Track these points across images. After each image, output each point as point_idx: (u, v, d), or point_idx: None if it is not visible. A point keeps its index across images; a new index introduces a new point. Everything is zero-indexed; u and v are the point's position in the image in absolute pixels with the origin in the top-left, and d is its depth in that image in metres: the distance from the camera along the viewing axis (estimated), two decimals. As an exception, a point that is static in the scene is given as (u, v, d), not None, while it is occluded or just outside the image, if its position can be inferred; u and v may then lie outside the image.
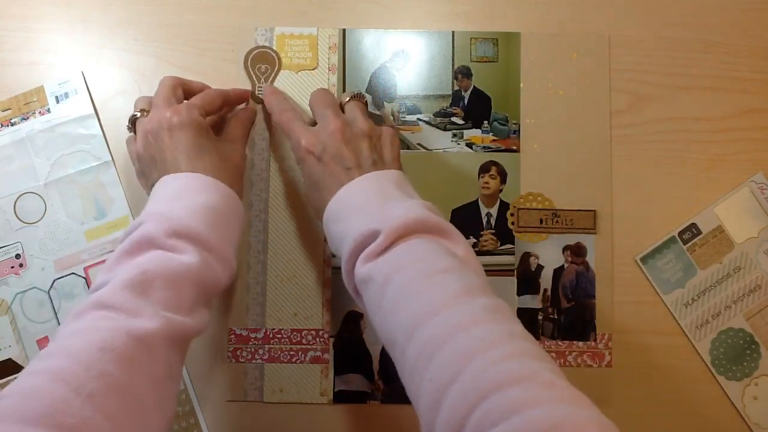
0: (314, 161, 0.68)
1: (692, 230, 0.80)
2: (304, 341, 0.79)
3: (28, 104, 0.81)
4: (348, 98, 0.73)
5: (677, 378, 0.79)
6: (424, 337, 0.53)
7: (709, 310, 0.79)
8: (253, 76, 0.82)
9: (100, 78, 0.82)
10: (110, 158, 0.81)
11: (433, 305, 0.54)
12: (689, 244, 0.80)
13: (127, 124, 0.74)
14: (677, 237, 0.80)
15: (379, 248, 0.59)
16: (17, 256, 0.79)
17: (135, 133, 0.73)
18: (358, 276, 0.60)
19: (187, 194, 0.65)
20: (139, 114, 0.72)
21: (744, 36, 0.83)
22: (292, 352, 0.79)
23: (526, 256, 0.80)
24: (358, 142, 0.68)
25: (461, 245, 0.61)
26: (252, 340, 0.79)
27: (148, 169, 0.71)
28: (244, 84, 0.82)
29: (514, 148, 0.82)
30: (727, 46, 0.83)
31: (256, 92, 0.82)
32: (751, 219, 0.80)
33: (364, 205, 0.63)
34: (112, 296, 0.57)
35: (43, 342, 0.78)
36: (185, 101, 0.72)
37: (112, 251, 0.78)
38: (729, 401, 0.78)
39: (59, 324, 0.78)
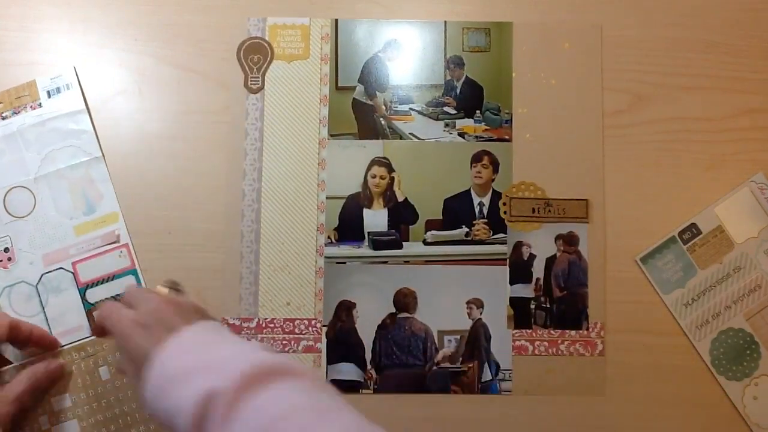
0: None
1: (692, 230, 0.80)
2: (296, 331, 0.79)
3: (20, 98, 0.80)
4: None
5: (677, 378, 0.78)
6: None
7: (709, 310, 0.79)
8: (246, 67, 0.82)
9: (100, 78, 0.82)
10: (101, 154, 0.80)
11: None
12: (689, 244, 0.80)
13: None
14: (677, 237, 0.80)
15: (227, 410, 0.51)
16: (6, 249, 0.78)
17: None
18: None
19: None
20: None
21: (744, 36, 0.83)
22: (284, 342, 0.79)
23: (519, 245, 0.80)
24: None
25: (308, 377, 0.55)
26: (245, 329, 0.79)
27: None
28: (237, 75, 0.81)
29: (507, 137, 0.81)
30: (727, 46, 0.83)
31: (249, 83, 0.82)
32: (751, 219, 0.80)
33: (188, 366, 0.56)
34: None
35: (29, 336, 0.77)
36: None
37: (101, 246, 0.78)
38: (729, 401, 0.78)
39: (46, 318, 0.77)
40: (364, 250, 0.80)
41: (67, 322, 0.77)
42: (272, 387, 0.52)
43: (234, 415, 0.51)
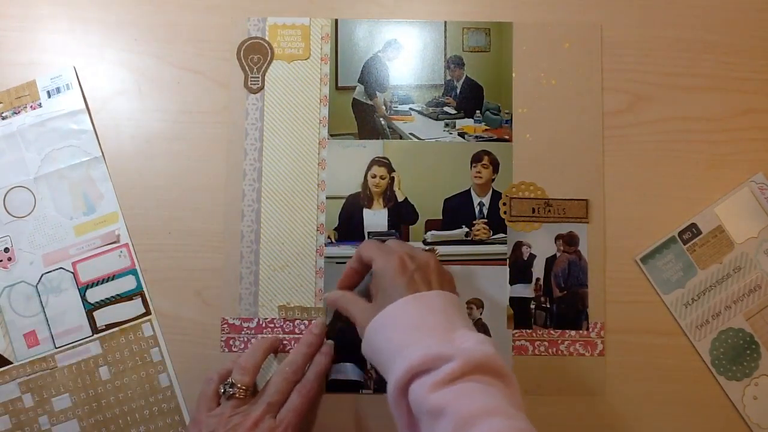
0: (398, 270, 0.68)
1: (692, 230, 0.80)
2: (296, 331, 0.79)
3: (20, 98, 0.80)
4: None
5: (677, 378, 0.78)
6: None
7: (709, 310, 0.79)
8: (246, 67, 0.82)
9: (100, 78, 0.82)
10: (100, 154, 0.80)
11: None
12: (689, 244, 0.79)
13: (222, 386, 0.72)
14: (677, 237, 0.80)
15: (450, 377, 0.57)
16: (6, 249, 0.78)
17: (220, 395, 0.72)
18: (426, 401, 0.57)
19: None
20: (232, 391, 0.71)
21: (744, 36, 0.82)
22: (284, 342, 0.78)
23: (519, 245, 0.80)
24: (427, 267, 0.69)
25: (517, 393, 0.61)
26: (245, 329, 0.79)
27: None
28: (237, 75, 0.81)
29: (507, 137, 0.81)
30: (727, 46, 0.82)
31: (249, 83, 0.81)
32: (751, 219, 0.80)
33: (430, 325, 0.63)
34: None
35: (29, 336, 0.77)
36: (270, 419, 0.69)
37: (101, 246, 0.78)
38: (729, 401, 0.78)
39: (46, 318, 0.77)
40: (365, 250, 0.80)
41: (67, 322, 0.78)
42: (485, 381, 0.59)
43: (445, 385, 0.57)
